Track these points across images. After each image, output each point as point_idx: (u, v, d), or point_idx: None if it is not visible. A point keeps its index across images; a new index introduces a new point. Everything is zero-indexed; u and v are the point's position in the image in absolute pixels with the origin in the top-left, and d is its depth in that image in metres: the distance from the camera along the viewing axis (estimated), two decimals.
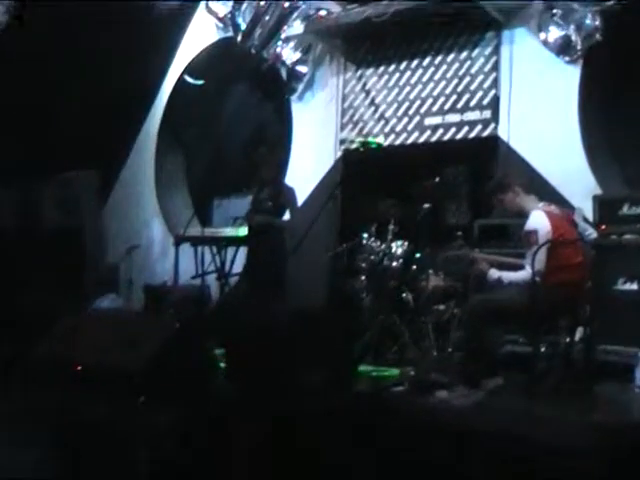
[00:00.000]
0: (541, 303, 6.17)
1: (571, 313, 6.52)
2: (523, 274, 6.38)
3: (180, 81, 13.56)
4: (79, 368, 6.61)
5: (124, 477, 5.99)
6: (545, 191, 8.05)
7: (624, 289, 7.41)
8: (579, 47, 9.22)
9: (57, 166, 11.72)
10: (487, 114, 10.13)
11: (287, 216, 9.11)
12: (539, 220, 6.44)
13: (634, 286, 7.25)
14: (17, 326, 9.28)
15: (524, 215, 6.64)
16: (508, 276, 6.46)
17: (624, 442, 5.28)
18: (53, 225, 11.83)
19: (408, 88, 11.00)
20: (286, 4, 11.66)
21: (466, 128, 10.34)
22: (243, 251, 10.05)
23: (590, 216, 7.98)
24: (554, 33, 9.41)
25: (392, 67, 11.21)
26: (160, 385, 6.06)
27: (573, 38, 9.23)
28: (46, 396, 6.89)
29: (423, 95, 10.83)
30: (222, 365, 6.51)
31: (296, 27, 11.81)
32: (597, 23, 8.98)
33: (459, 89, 10.45)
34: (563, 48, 9.34)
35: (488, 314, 6.41)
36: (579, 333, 6.97)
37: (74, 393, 6.55)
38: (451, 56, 10.59)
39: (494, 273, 6.57)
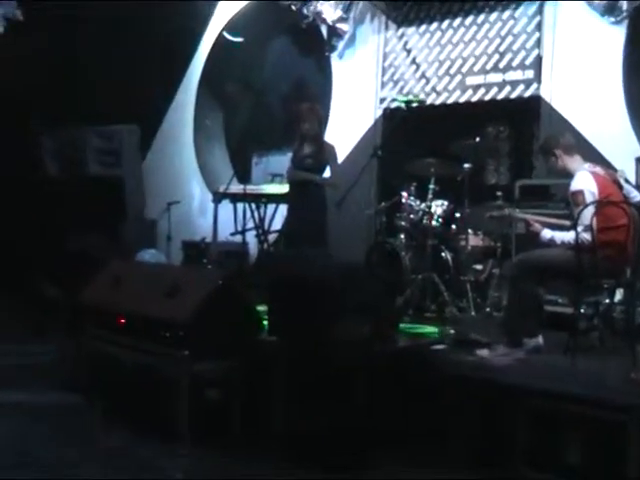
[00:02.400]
0: (585, 263, 6.17)
1: (613, 274, 6.51)
2: (574, 234, 6.36)
3: (220, 38, 13.56)
4: (122, 320, 6.68)
5: (166, 426, 6.10)
6: (587, 152, 8.00)
7: None
8: (625, 8, 9.13)
9: (100, 119, 11.79)
10: (530, 74, 10.07)
11: (328, 173, 9.10)
12: (585, 181, 6.43)
13: None
14: (63, 273, 9.41)
15: (570, 176, 6.63)
16: (561, 236, 6.47)
17: None
18: (96, 177, 11.90)
19: (450, 47, 10.97)
20: None
21: (508, 88, 10.29)
22: (282, 208, 10.09)
23: (632, 178, 7.95)
24: None
25: (434, 25, 11.18)
26: (203, 338, 6.10)
27: None
28: (90, 343, 7.02)
29: (465, 54, 10.79)
30: (264, 321, 6.56)
31: None
32: None
33: (501, 49, 10.40)
34: (608, 8, 9.25)
35: (532, 272, 6.43)
36: (619, 294, 6.97)
37: (117, 342, 6.65)
38: (494, 15, 10.54)
39: (547, 233, 6.58)
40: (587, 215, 6.18)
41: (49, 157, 12.48)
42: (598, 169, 6.63)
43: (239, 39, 13.54)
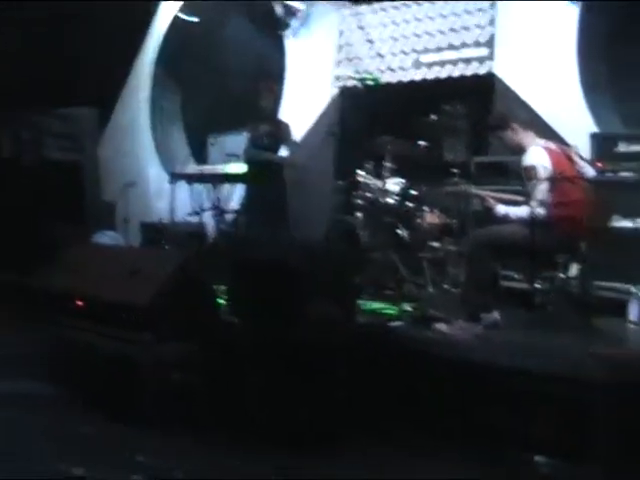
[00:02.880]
0: (540, 238, 6.24)
1: (568, 249, 6.59)
2: (528, 209, 6.41)
3: (176, 18, 13.51)
4: (83, 304, 6.66)
5: (129, 408, 6.11)
6: (541, 128, 8.07)
7: (619, 226, 7.49)
8: None
9: (56, 102, 11.70)
10: (484, 51, 10.14)
11: (285, 152, 9.13)
12: (538, 156, 6.49)
13: (629, 223, 7.32)
14: (20, 257, 9.34)
15: (523, 152, 6.69)
16: (515, 212, 6.52)
17: (618, 372, 5.44)
18: (53, 160, 11.79)
19: (404, 25, 11.00)
20: None
21: (462, 65, 10.35)
22: (239, 188, 10.09)
23: (586, 154, 8.03)
24: None
25: (388, 3, 11.20)
26: (164, 318, 6.11)
27: None
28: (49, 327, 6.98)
29: (419, 32, 10.83)
30: (224, 301, 6.58)
31: None
32: None
33: (456, 26, 10.45)
34: None
35: (489, 248, 6.49)
36: (575, 269, 7.05)
37: (78, 325, 6.62)
38: None
39: (501, 209, 6.64)
40: (542, 190, 6.24)
41: (9, 142, 12.35)
42: (551, 145, 6.71)
43: (195, 19, 13.49)
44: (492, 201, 6.82)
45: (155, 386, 5.99)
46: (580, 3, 9.23)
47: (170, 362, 6.20)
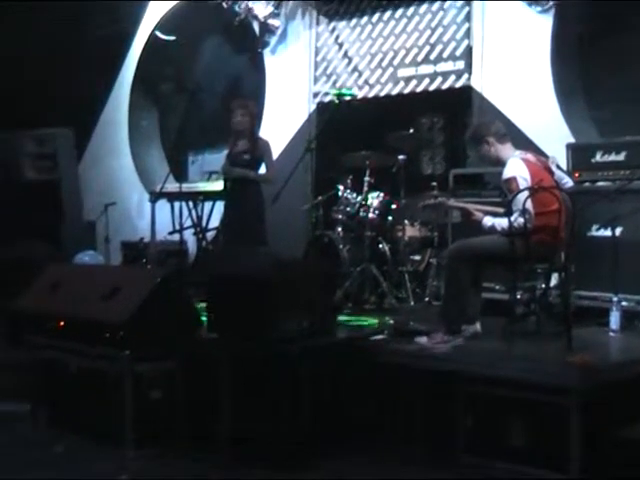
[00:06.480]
0: (520, 248, 6.24)
1: (548, 258, 6.59)
2: (512, 220, 6.37)
3: (152, 37, 13.53)
4: (62, 323, 6.63)
5: (111, 428, 6.09)
6: (518, 140, 8.09)
7: (598, 235, 7.52)
8: None
9: (33, 122, 11.66)
10: (460, 65, 10.19)
11: (263, 169, 9.15)
12: (517, 167, 6.48)
13: (607, 232, 7.34)
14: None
15: (502, 164, 6.68)
16: (500, 223, 6.48)
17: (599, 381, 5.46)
18: (31, 181, 11.74)
19: (381, 40, 11.07)
20: None
21: (439, 79, 10.40)
22: (219, 206, 10.09)
23: (564, 164, 8.06)
24: None
25: (364, 19, 11.28)
26: (144, 337, 6.09)
27: None
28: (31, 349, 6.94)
29: (396, 47, 10.90)
30: (204, 318, 6.56)
31: None
32: None
33: (432, 40, 10.51)
34: None
35: (468, 260, 6.48)
36: (555, 279, 7.06)
37: (59, 346, 6.59)
38: (423, 7, 10.65)
39: (488, 221, 6.59)
40: (521, 200, 6.23)
41: None
42: (529, 156, 6.70)
43: (171, 38, 13.52)
44: (479, 214, 6.79)
45: (134, 403, 5.95)
46: (553, 12, 9.28)
47: (150, 379, 6.18)
